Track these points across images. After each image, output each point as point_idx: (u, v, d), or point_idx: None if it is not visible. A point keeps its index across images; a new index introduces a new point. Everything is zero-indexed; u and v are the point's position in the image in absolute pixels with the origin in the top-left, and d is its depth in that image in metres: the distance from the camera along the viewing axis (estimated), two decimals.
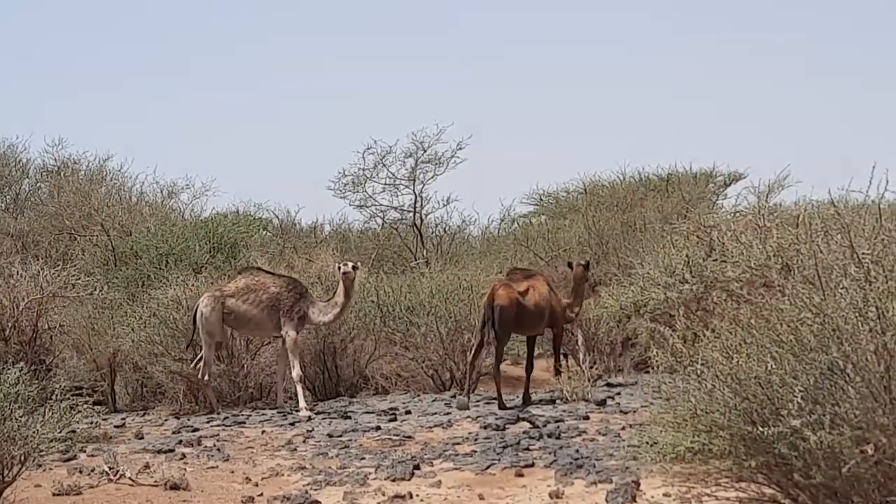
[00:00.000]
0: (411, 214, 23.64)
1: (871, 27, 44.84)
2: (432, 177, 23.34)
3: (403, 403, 14.26)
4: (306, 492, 8.82)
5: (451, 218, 24.78)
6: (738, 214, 15.03)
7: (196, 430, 12.43)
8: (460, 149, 22.81)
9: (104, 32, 45.07)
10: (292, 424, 12.73)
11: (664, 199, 22.04)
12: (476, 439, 11.16)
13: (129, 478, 9.41)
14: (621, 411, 12.83)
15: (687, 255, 12.15)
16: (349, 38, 46.27)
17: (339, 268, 14.22)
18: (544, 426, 11.74)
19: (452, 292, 16.31)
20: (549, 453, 10.10)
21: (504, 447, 10.54)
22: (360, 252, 22.26)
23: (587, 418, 12.35)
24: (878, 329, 5.96)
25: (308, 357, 15.39)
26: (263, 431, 12.28)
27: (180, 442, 11.45)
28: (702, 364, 6.49)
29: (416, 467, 9.65)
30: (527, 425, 11.90)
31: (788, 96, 43.03)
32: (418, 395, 15.32)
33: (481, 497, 8.62)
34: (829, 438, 5.83)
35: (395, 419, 12.82)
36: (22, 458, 8.53)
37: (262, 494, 8.88)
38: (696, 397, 6.47)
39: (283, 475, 9.73)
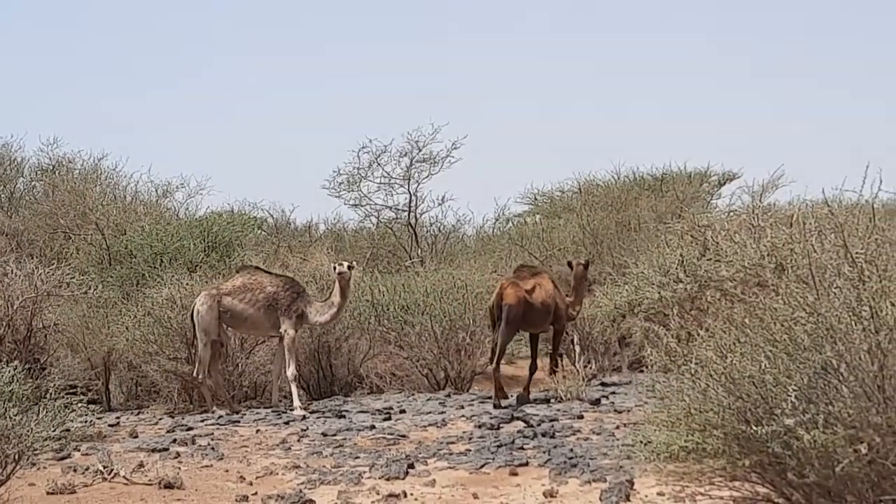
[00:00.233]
0: (406, 214, 23.65)
1: (866, 27, 44.88)
2: (427, 176, 23.37)
3: (398, 402, 14.26)
4: (300, 491, 8.81)
5: (445, 217, 24.89)
6: (732, 214, 15.06)
7: (190, 428, 12.42)
8: (455, 148, 22.85)
9: (99, 31, 45.02)
10: (287, 423, 12.72)
11: (658, 199, 22.08)
12: (470, 438, 11.16)
13: (124, 477, 9.39)
14: (615, 410, 12.84)
15: (681, 255, 12.17)
16: (344, 35, 46.29)
17: (335, 268, 14.21)
18: (539, 425, 11.74)
19: (447, 291, 16.31)
20: (544, 452, 10.11)
21: (498, 446, 10.54)
22: (354, 251, 22.28)
23: (581, 417, 12.37)
24: (872, 328, 5.96)
25: (302, 356, 15.38)
26: (258, 430, 12.28)
27: (174, 441, 11.44)
28: (696, 363, 6.50)
29: (411, 466, 9.64)
30: (521, 424, 11.90)
31: (783, 95, 43.06)
32: (413, 395, 15.33)
33: (475, 496, 8.62)
34: (822, 437, 5.83)
35: (389, 418, 12.82)
36: (16, 457, 8.52)
37: (256, 493, 8.87)
38: (690, 396, 6.47)
39: (277, 474, 9.72)
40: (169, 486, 9.11)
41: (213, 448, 11.03)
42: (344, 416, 13.10)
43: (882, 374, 5.96)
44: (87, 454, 10.67)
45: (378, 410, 13.41)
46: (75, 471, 9.63)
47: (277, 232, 25.10)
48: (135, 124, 41.82)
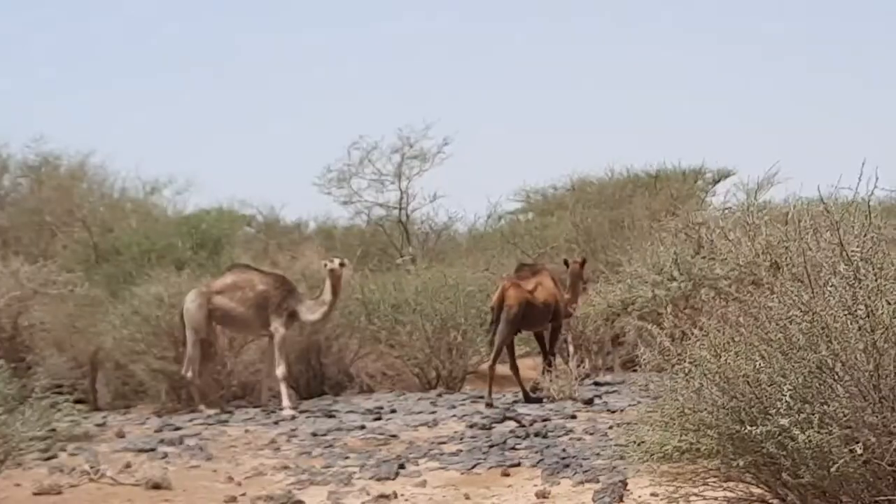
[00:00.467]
0: (397, 211, 23.60)
1: (862, 26, 44.96)
2: (418, 173, 23.34)
3: (388, 402, 14.19)
4: (290, 491, 8.74)
5: (437, 215, 24.77)
6: (726, 212, 15.02)
7: (178, 428, 12.34)
8: (446, 144, 22.82)
9: (86, 28, 44.90)
10: (276, 423, 12.65)
11: (652, 197, 22.07)
12: (462, 438, 11.10)
13: (111, 477, 9.32)
14: (608, 410, 12.79)
15: (675, 253, 12.12)
16: (335, 33, 46.22)
17: (326, 265, 14.12)
18: (531, 425, 11.68)
19: (438, 290, 16.26)
20: (536, 452, 10.04)
21: (490, 446, 10.48)
22: (345, 249, 22.16)
23: (574, 417, 12.31)
24: (867, 327, 5.92)
25: (292, 355, 15.30)
26: (247, 430, 12.20)
27: (162, 441, 11.36)
28: (690, 362, 6.45)
29: (401, 467, 9.58)
30: (513, 424, 11.84)
31: (778, 93, 43.11)
32: (403, 394, 15.27)
33: (467, 497, 8.55)
34: (817, 437, 5.78)
35: (379, 418, 12.75)
36: (1, 458, 8.47)
37: (244, 494, 8.80)
38: (683, 396, 6.43)
39: (266, 474, 9.66)
40: (156, 487, 9.03)
41: (201, 448, 10.95)
42: (334, 416, 13.03)
43: (877, 373, 5.92)
44: (73, 454, 10.58)
45: (368, 410, 13.34)
46: (62, 471, 9.55)
47: (267, 229, 25.05)
48: (122, 121, 41.75)
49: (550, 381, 13.98)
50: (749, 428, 6.04)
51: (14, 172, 21.85)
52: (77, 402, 13.34)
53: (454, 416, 12.67)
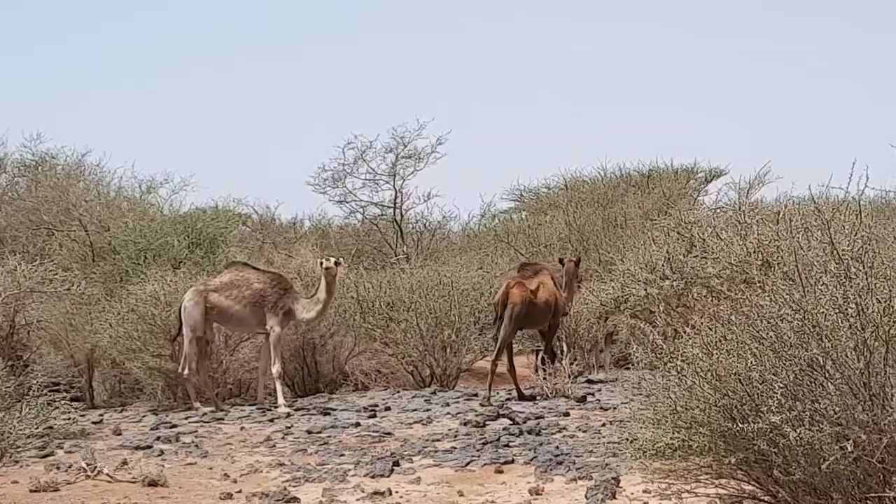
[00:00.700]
0: (391, 210, 23.60)
1: (854, 27, 44.98)
2: (412, 172, 23.32)
3: (383, 400, 14.22)
4: (285, 488, 8.77)
5: (431, 213, 24.76)
6: (718, 211, 15.09)
7: (174, 426, 12.36)
8: (440, 144, 22.79)
9: (83, 26, 44.84)
10: (271, 421, 12.67)
11: (645, 196, 22.11)
12: (456, 436, 11.13)
13: (107, 474, 9.34)
14: (601, 408, 12.83)
15: (667, 252, 12.19)
16: (330, 30, 46.21)
17: (322, 263, 14.14)
18: (524, 423, 11.72)
19: (432, 288, 16.28)
20: (529, 450, 10.09)
21: (484, 444, 10.52)
22: (340, 248, 22.21)
23: (567, 415, 12.35)
24: (858, 325, 5.97)
25: (287, 353, 15.32)
26: (242, 428, 12.22)
27: (158, 438, 11.38)
28: (682, 360, 6.49)
29: (396, 464, 9.61)
30: (507, 422, 11.88)
31: (769, 93, 43.14)
32: (398, 392, 15.29)
33: (461, 494, 8.59)
34: (808, 435, 5.83)
35: (374, 416, 12.78)
36: None
37: (240, 491, 8.83)
38: (676, 394, 6.47)
39: (261, 472, 9.68)
40: (153, 484, 9.05)
41: (197, 446, 10.98)
42: (329, 414, 13.05)
43: (868, 371, 5.96)
44: (70, 452, 10.60)
45: (363, 408, 13.36)
46: (58, 468, 9.58)
47: (262, 228, 25.03)
48: (119, 120, 41.70)
49: (544, 378, 14.04)
50: (741, 425, 6.09)
51: (11, 171, 21.84)
52: (73, 399, 13.40)
53: (448, 413, 12.71)
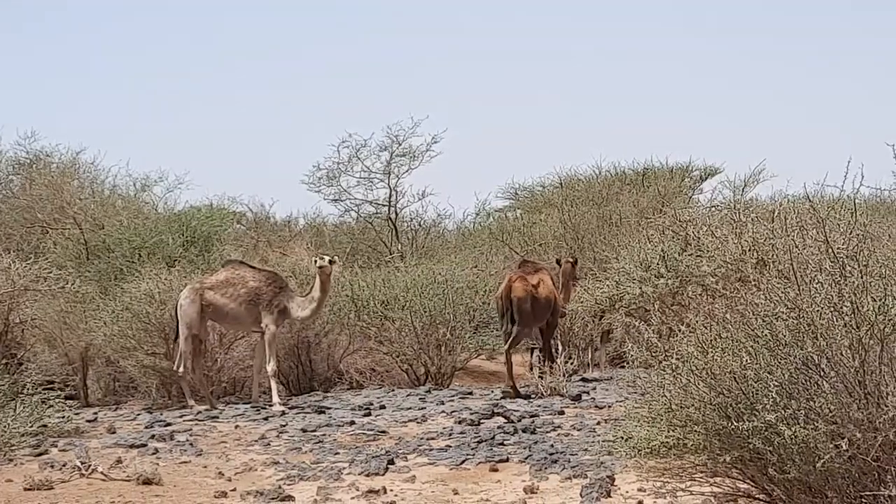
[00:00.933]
0: (386, 208, 23.59)
1: (848, 24, 45.03)
2: (407, 170, 23.31)
3: (378, 398, 14.22)
4: (280, 487, 8.76)
5: (426, 212, 24.76)
6: (713, 209, 15.09)
7: (169, 424, 12.35)
8: (435, 142, 22.78)
9: (77, 24, 44.78)
10: (266, 419, 12.67)
11: (640, 194, 22.09)
12: (451, 434, 11.13)
13: (102, 473, 9.32)
14: (596, 406, 12.83)
15: (662, 250, 12.17)
16: (330, 30, 46.19)
17: (316, 262, 14.14)
18: (519, 421, 11.72)
19: (427, 287, 16.29)
20: (524, 448, 10.08)
21: (479, 442, 10.51)
22: (334, 246, 22.18)
23: (562, 413, 12.35)
24: (853, 324, 5.97)
25: (282, 351, 15.32)
26: (237, 426, 12.22)
27: (153, 437, 11.37)
28: (677, 359, 6.49)
29: (391, 462, 9.61)
30: (501, 420, 11.88)
31: (764, 91, 43.17)
32: (393, 390, 15.28)
33: (455, 492, 8.58)
34: (803, 433, 5.84)
35: (369, 414, 12.78)
36: None
37: (235, 489, 8.82)
38: (671, 392, 6.47)
39: (256, 470, 9.67)
40: (147, 483, 9.04)
41: (191, 444, 10.97)
42: (323, 412, 13.05)
43: (863, 369, 5.97)
44: (64, 450, 10.58)
45: (358, 406, 13.36)
46: (52, 467, 9.55)
47: (257, 226, 25.01)
48: (118, 120, 41.67)
49: (539, 376, 14.05)
50: (736, 423, 6.09)
51: (5, 170, 21.79)
52: (68, 398, 13.45)
53: (443, 411, 12.70)
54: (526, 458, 9.59)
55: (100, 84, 43.59)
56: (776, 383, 5.99)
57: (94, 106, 42.50)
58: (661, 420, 6.52)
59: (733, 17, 46.22)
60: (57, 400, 11.42)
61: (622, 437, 6.84)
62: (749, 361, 6.15)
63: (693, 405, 6.35)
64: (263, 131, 42.24)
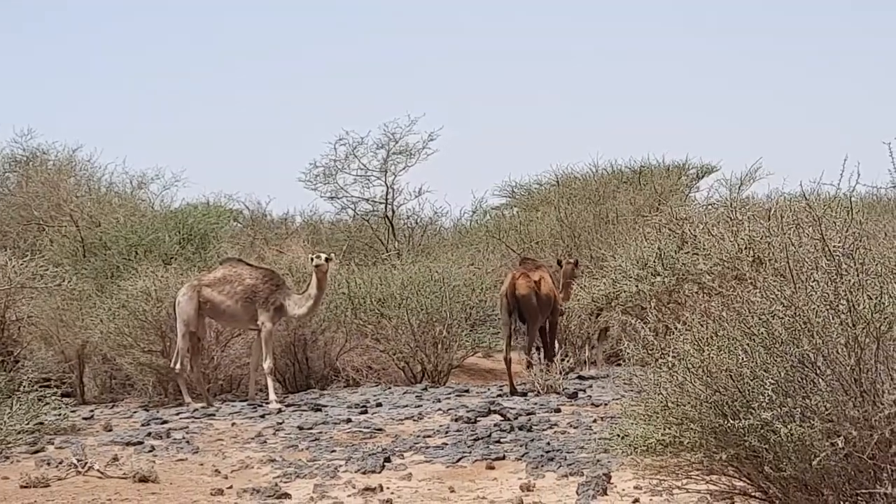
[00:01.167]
0: (383, 206, 23.59)
1: (845, 23, 45.05)
2: (404, 168, 23.32)
3: (374, 396, 14.22)
4: (276, 484, 8.76)
5: (422, 210, 24.77)
6: (710, 207, 15.10)
7: (165, 422, 12.36)
8: (431, 139, 22.78)
9: (80, 26, 44.76)
10: (262, 417, 12.67)
11: (637, 192, 22.12)
12: (447, 432, 11.13)
13: (98, 470, 9.32)
14: (593, 404, 12.84)
15: (659, 248, 12.18)
16: (330, 30, 46.18)
17: (312, 259, 14.15)
18: (516, 419, 11.72)
19: (424, 284, 16.29)
20: (521, 446, 10.08)
21: (475, 440, 10.51)
22: (331, 244, 22.17)
23: (558, 411, 12.36)
24: (849, 322, 5.97)
25: (278, 349, 15.31)
26: (233, 424, 12.22)
27: (149, 434, 11.37)
28: (673, 357, 6.49)
29: (387, 460, 9.61)
30: (498, 418, 11.88)
31: (761, 89, 43.19)
32: (389, 388, 15.29)
33: (452, 490, 8.59)
34: (799, 431, 5.84)
35: (365, 411, 12.78)
36: None
37: (231, 487, 8.82)
38: (667, 390, 6.47)
39: (252, 467, 9.67)
40: (143, 480, 9.03)
41: (188, 441, 10.97)
42: (320, 410, 13.06)
43: (859, 367, 5.97)
44: (60, 448, 10.58)
45: (354, 404, 13.37)
46: (49, 464, 9.54)
47: (253, 224, 25.01)
48: (118, 120, 41.65)
49: (536, 374, 14.06)
50: (732, 421, 6.09)
51: (2, 167, 21.78)
52: (64, 395, 13.45)
53: (439, 409, 12.71)
54: (522, 456, 9.60)
55: (100, 84, 43.59)
56: (772, 381, 5.99)
57: (95, 106, 42.50)
58: (658, 418, 6.52)
59: (731, 17, 46.25)
60: (53, 397, 11.43)
61: (618, 435, 6.85)
62: (745, 359, 6.16)
63: (689, 403, 6.35)
64: (263, 131, 42.25)
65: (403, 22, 45.92)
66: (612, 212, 20.27)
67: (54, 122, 41.48)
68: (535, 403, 12.93)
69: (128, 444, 10.83)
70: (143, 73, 43.96)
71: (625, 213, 19.84)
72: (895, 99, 40.01)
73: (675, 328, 6.70)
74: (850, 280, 6.08)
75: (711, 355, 6.27)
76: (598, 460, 8.84)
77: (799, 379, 6.06)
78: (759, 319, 6.22)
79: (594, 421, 11.40)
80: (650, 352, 6.76)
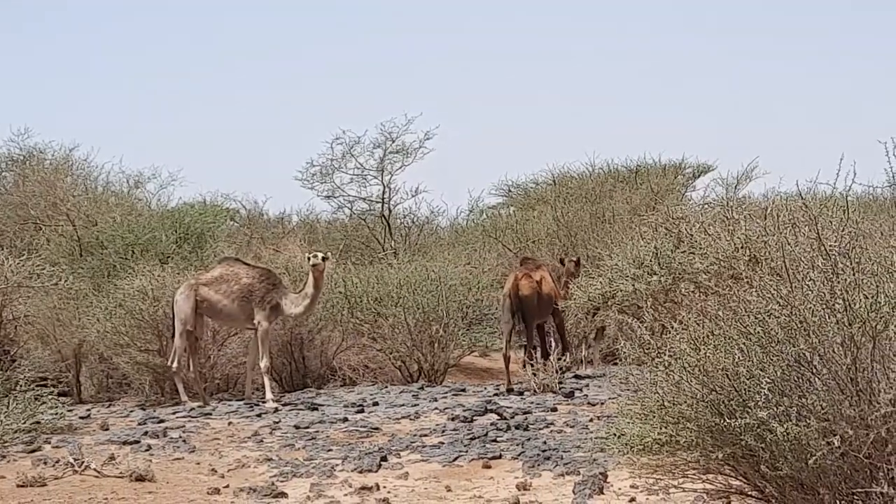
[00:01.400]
0: (379, 205, 23.57)
1: (842, 22, 45.08)
2: (400, 167, 23.29)
3: (371, 395, 14.23)
4: (273, 483, 8.77)
5: (419, 209, 24.75)
6: (706, 206, 15.12)
7: (162, 421, 12.36)
8: (428, 139, 22.77)
9: (80, 26, 44.73)
10: (259, 416, 12.67)
11: (633, 191, 22.13)
12: (444, 431, 11.14)
13: (95, 469, 9.32)
14: (589, 403, 12.84)
15: (655, 247, 12.20)
16: (330, 30, 46.16)
17: (309, 259, 14.15)
18: (512, 418, 11.72)
19: (420, 283, 16.29)
20: (517, 445, 10.09)
21: (472, 439, 10.52)
22: (327, 243, 22.17)
23: (555, 410, 12.36)
24: (845, 321, 5.98)
25: (275, 348, 15.32)
26: (230, 423, 12.22)
27: (146, 433, 11.38)
28: (669, 356, 6.50)
29: (384, 459, 9.61)
30: (494, 417, 11.89)
31: (757, 88, 43.22)
32: (386, 387, 15.29)
33: (448, 489, 8.59)
34: (795, 430, 5.84)
35: (362, 411, 12.78)
36: None
37: (228, 486, 8.83)
38: (663, 389, 6.47)
39: (249, 467, 9.68)
40: (140, 479, 9.04)
41: (184, 441, 10.97)
42: (317, 409, 13.06)
43: (855, 366, 5.98)
44: (57, 447, 10.58)
45: (351, 403, 13.37)
46: (46, 463, 9.55)
47: (250, 223, 25.00)
48: (118, 120, 41.61)
49: (533, 373, 14.06)
50: (728, 420, 6.10)
51: None
52: (61, 394, 13.43)
53: (436, 408, 12.71)
54: (519, 455, 9.61)
55: (99, 83, 43.53)
56: (768, 380, 6.00)
57: (94, 105, 42.44)
58: (654, 417, 6.52)
59: (726, 13, 46.23)
60: (50, 397, 11.44)
61: (615, 434, 6.85)
62: (741, 358, 6.16)
63: (685, 402, 6.35)
64: (262, 131, 42.19)
65: (403, 22, 45.89)
66: (609, 211, 20.28)
67: (54, 123, 41.46)
68: (532, 402, 12.94)
69: (124, 443, 10.83)
70: (142, 73, 43.92)
71: (621, 213, 19.85)
72: (893, 99, 39.98)
73: (672, 327, 6.70)
74: (846, 279, 6.08)
75: (708, 354, 6.27)
76: (594, 459, 8.84)
77: (795, 378, 6.07)
78: (756, 318, 6.22)
79: (591, 420, 11.41)
80: (646, 351, 6.77)
